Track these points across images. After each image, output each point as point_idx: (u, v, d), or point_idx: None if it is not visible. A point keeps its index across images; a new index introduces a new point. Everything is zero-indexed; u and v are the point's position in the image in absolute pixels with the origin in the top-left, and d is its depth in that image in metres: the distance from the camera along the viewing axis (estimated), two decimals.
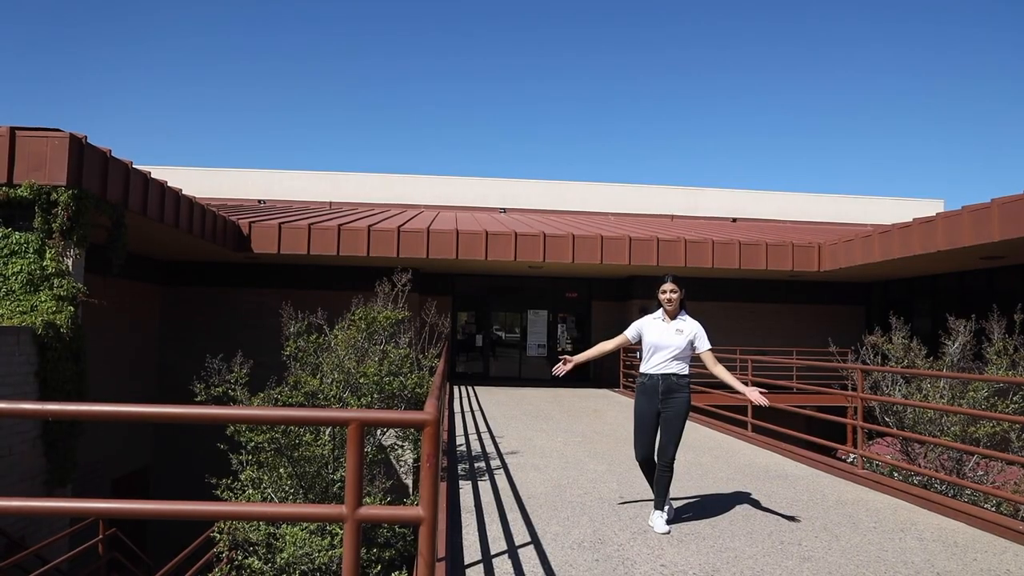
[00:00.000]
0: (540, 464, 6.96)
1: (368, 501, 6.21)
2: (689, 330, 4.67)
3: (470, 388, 15.19)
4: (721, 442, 8.64)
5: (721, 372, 4.73)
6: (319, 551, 5.69)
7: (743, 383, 4.71)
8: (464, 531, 4.64)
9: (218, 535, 6.38)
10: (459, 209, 23.40)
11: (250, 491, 6.47)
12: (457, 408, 11.70)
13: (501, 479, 6.22)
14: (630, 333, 4.83)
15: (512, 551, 4.17)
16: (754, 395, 4.59)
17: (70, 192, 8.08)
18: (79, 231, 8.26)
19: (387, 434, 8.58)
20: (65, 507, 1.99)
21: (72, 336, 7.98)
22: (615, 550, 4.23)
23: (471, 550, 4.23)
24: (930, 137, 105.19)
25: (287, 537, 5.79)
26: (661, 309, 4.75)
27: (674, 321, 4.70)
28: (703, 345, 4.67)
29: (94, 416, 1.88)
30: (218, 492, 6.43)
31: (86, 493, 10.52)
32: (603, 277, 18.33)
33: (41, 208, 8.04)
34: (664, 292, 4.72)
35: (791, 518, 5.03)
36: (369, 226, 14.08)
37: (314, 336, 7.54)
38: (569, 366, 4.77)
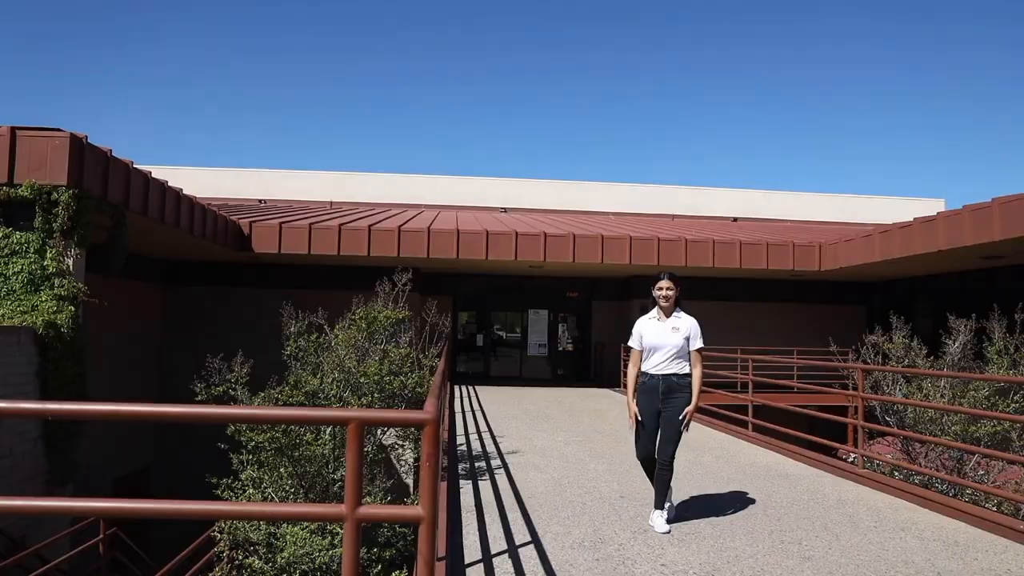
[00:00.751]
0: (541, 464, 6.96)
1: (368, 500, 6.21)
2: (685, 327, 4.67)
3: (471, 388, 15.20)
4: (722, 442, 8.64)
5: (696, 374, 4.70)
6: (319, 550, 5.69)
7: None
8: (464, 530, 4.64)
9: (219, 535, 6.39)
10: (460, 209, 23.40)
11: (250, 491, 6.47)
12: (458, 408, 11.70)
13: (501, 478, 6.22)
14: (634, 343, 4.80)
15: (512, 550, 4.17)
16: (687, 410, 4.59)
17: (71, 192, 8.08)
18: (80, 231, 8.26)
19: (387, 433, 8.58)
20: (65, 507, 1.99)
21: (73, 336, 7.98)
22: (615, 549, 4.23)
23: (471, 549, 4.24)
24: (930, 137, 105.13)
25: (287, 537, 5.79)
26: (657, 307, 4.74)
27: (669, 319, 4.70)
28: (695, 343, 4.68)
29: (94, 416, 1.88)
30: (218, 492, 6.43)
31: (87, 493, 10.53)
32: (604, 277, 18.33)
33: (42, 208, 8.05)
34: (660, 289, 4.71)
35: (791, 518, 5.03)
36: (370, 226, 14.08)
37: (315, 336, 7.54)
38: (634, 418, 4.70)
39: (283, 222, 14.08)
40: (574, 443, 8.30)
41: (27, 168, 8.02)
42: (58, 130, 8.10)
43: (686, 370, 4.67)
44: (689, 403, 4.63)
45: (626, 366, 14.92)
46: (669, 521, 4.70)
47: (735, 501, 5.50)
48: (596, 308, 18.87)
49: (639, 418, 4.65)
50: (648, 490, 4.98)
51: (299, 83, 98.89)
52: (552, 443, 8.29)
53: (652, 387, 4.66)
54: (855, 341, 9.98)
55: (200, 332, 15.43)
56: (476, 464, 6.91)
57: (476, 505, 5.33)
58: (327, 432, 6.61)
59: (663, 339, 4.64)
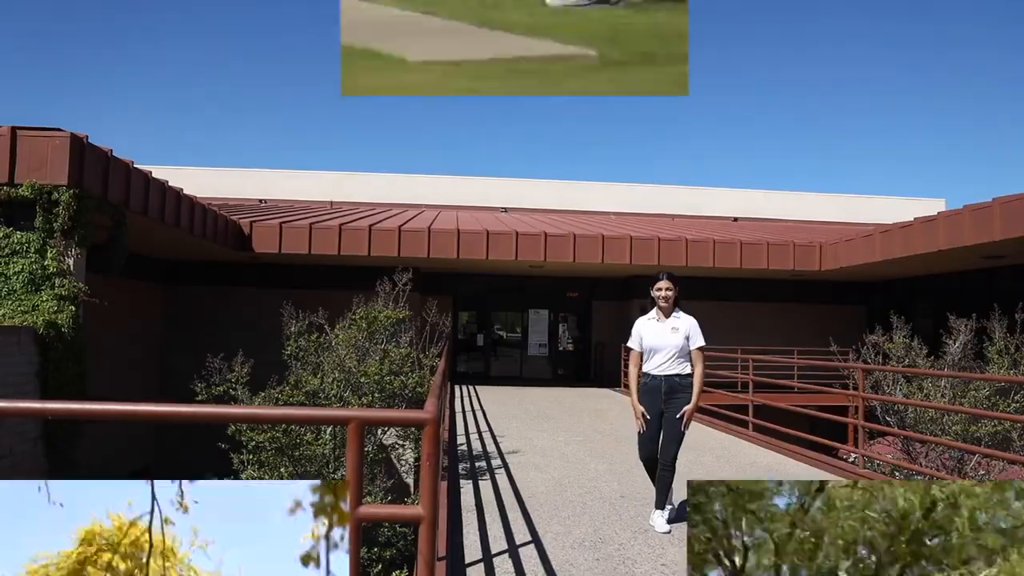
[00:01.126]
0: (541, 463, 6.96)
1: (369, 500, 6.21)
2: (684, 327, 4.65)
3: (471, 388, 15.19)
4: (723, 442, 8.63)
5: (697, 372, 4.68)
6: None
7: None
8: (465, 530, 4.64)
9: None
10: (460, 208, 23.39)
11: None
12: (458, 407, 11.70)
13: (502, 478, 6.22)
14: (634, 344, 4.77)
15: (513, 550, 4.17)
16: (686, 408, 4.56)
17: (71, 192, 8.08)
18: (80, 231, 8.26)
19: (388, 433, 8.59)
20: None
21: (73, 336, 7.98)
22: (616, 549, 4.23)
23: (472, 549, 4.23)
24: (930, 137, 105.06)
25: None
26: (656, 308, 4.73)
27: (668, 319, 4.69)
28: (696, 342, 4.66)
29: (94, 415, 1.88)
30: None
31: None
32: (604, 277, 18.33)
33: (42, 208, 8.05)
34: (660, 289, 4.70)
35: None
36: (370, 226, 14.08)
37: (315, 335, 7.54)
38: (642, 418, 4.65)
39: (283, 222, 14.08)
40: (574, 443, 8.30)
41: (27, 168, 8.01)
42: (58, 130, 8.10)
43: (688, 370, 4.66)
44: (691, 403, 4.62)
45: (627, 366, 14.96)
46: (670, 521, 4.69)
47: None
48: (596, 308, 18.86)
49: (647, 417, 4.64)
50: (648, 490, 4.97)
51: (299, 83, 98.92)
52: (552, 443, 8.28)
53: (654, 388, 4.65)
54: (855, 341, 9.99)
55: (200, 332, 15.42)
56: (476, 464, 6.91)
57: (476, 505, 5.33)
58: (327, 432, 6.62)
59: (663, 340, 4.63)
